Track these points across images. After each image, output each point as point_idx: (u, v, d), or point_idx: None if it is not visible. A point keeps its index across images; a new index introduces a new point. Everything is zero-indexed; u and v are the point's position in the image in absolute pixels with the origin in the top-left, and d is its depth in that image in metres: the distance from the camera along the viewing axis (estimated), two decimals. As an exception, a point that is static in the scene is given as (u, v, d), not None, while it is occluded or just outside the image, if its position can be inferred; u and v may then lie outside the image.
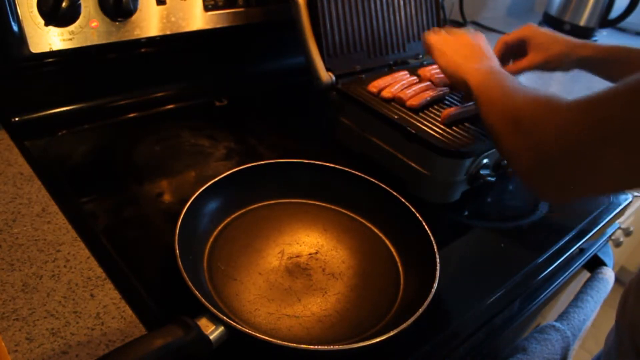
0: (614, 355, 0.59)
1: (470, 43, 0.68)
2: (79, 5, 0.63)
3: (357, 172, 0.61)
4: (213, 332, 0.41)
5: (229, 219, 0.57)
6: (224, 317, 0.41)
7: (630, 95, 0.41)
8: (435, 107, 0.72)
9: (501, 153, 0.57)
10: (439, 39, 0.71)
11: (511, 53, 0.77)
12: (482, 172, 0.67)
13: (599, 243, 0.75)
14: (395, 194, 0.59)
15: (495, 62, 0.64)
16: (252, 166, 0.59)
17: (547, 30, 0.76)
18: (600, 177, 0.46)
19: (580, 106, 0.45)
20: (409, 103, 0.70)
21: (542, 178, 0.50)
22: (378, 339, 0.42)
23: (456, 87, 0.72)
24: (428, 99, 0.71)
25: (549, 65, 0.75)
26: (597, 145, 0.43)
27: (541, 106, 0.50)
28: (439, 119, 0.68)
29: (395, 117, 0.68)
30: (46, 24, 0.62)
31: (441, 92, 0.73)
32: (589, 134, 0.44)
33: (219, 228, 0.56)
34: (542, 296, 0.61)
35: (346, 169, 0.62)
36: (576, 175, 0.47)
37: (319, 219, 0.60)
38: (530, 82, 1.04)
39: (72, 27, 0.65)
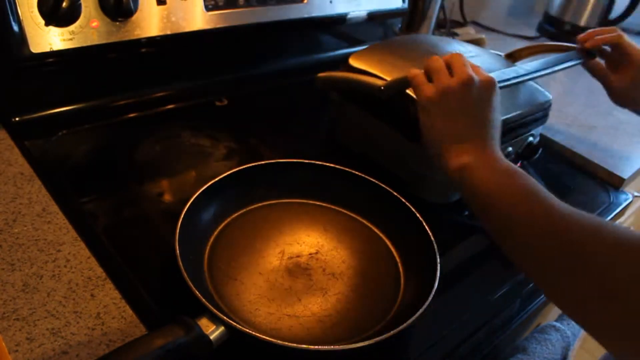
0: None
1: (472, 104, 0.49)
2: (79, 5, 0.63)
3: (357, 172, 0.61)
4: (213, 332, 0.41)
5: (229, 219, 0.57)
6: (224, 317, 0.41)
7: None
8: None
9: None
10: (430, 92, 0.51)
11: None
12: (482, 172, 0.66)
13: (599, 243, 0.75)
14: (395, 194, 0.59)
15: (498, 145, 0.48)
16: (253, 166, 0.59)
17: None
18: None
19: None
20: (409, 103, 0.69)
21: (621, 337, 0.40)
22: (378, 339, 0.42)
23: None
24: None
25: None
26: None
27: (607, 240, 0.40)
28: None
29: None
30: (46, 24, 0.62)
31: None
32: None
33: (220, 228, 0.56)
34: (542, 296, 0.61)
35: (346, 169, 0.61)
36: None
37: (319, 219, 0.60)
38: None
39: (72, 27, 0.65)
